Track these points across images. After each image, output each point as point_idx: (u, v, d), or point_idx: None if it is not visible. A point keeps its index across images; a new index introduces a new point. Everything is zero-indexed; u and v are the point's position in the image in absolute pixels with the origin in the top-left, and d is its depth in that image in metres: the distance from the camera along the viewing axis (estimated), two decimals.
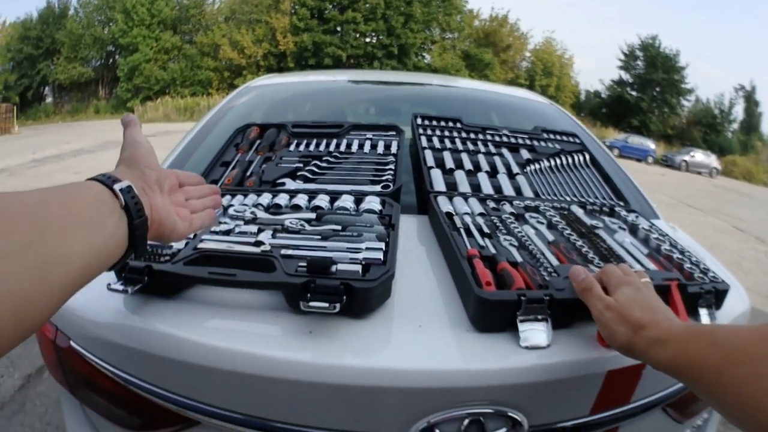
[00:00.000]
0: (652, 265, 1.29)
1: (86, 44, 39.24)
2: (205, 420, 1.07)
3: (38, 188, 0.65)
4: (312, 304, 0.99)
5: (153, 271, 1.09)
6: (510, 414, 1.01)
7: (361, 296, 1.04)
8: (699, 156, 31.71)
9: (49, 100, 43.35)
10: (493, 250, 1.27)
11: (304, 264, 1.09)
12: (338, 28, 38.96)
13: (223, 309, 1.08)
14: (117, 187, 0.75)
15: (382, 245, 1.20)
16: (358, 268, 1.09)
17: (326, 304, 0.98)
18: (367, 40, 39.59)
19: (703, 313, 1.20)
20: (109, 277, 1.07)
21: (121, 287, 1.06)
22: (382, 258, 1.14)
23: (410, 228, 1.57)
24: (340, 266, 1.08)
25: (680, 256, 1.34)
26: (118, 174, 0.81)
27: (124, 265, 1.03)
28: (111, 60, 42.30)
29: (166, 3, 40.00)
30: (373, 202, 1.48)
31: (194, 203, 1.03)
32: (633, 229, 1.54)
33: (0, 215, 0.56)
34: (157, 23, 39.61)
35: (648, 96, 45.77)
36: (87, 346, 1.16)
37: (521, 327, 1.04)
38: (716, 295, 1.21)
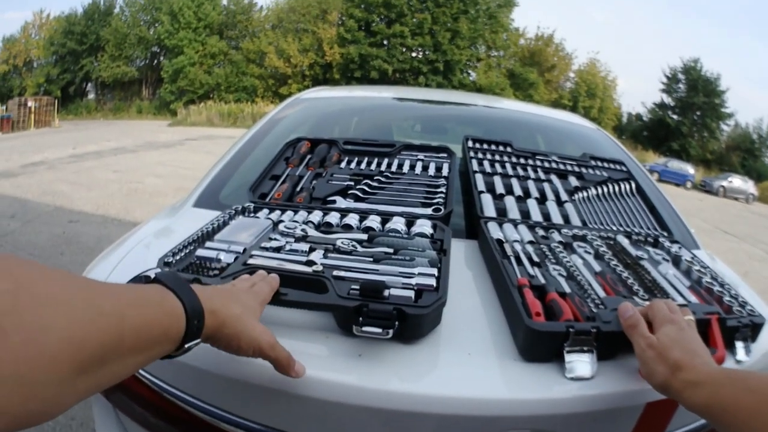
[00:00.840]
0: (693, 298, 1.29)
1: (131, 43, 39.85)
2: None
3: (117, 289, 0.70)
4: (365, 329, 1.00)
5: (202, 285, 1.07)
6: None
7: (413, 322, 1.05)
8: (737, 181, 31.33)
9: (91, 96, 43.97)
10: (542, 280, 1.28)
11: (357, 287, 1.09)
12: (385, 42, 38.93)
13: (270, 326, 1.04)
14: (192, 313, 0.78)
15: (435, 271, 1.20)
16: (411, 293, 1.09)
17: (380, 330, 1.00)
18: (413, 54, 39.53)
19: (739, 345, 1.20)
20: None
21: None
22: (434, 284, 1.15)
23: (459, 253, 1.58)
24: (393, 291, 1.09)
25: (720, 289, 1.34)
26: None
27: None
28: (155, 61, 42.85)
29: (213, 7, 40.47)
30: (424, 226, 1.49)
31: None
32: (676, 261, 1.54)
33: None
34: (204, 27, 40.05)
35: (689, 120, 45.27)
36: None
37: (567, 358, 1.05)
38: (752, 329, 1.22)
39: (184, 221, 1.71)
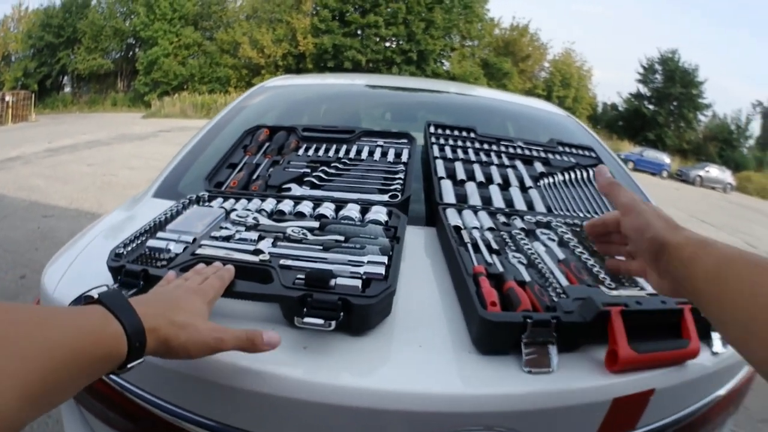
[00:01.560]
0: None
1: (107, 35, 39.62)
2: (196, 431, 1.04)
3: (58, 317, 0.69)
4: (307, 320, 0.96)
5: (149, 276, 1.08)
6: None
7: (359, 313, 1.00)
8: (714, 171, 31.60)
9: (67, 89, 43.72)
10: (500, 268, 1.22)
11: (303, 276, 1.05)
12: (359, 32, 39.00)
13: (218, 318, 1.00)
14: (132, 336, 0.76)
15: (385, 259, 1.16)
16: (359, 283, 1.05)
17: (321, 321, 0.95)
18: (387, 44, 39.62)
19: (716, 336, 1.17)
20: (106, 279, 1.08)
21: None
22: (383, 273, 1.10)
23: (417, 240, 1.53)
24: (340, 280, 1.05)
25: None
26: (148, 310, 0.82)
27: (121, 267, 1.07)
28: (131, 53, 42.70)
29: None
30: (379, 213, 1.45)
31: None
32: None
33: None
34: (179, 18, 39.91)
35: (665, 110, 45.64)
36: None
37: (525, 350, 0.99)
38: None
39: (143, 212, 1.66)
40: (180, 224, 1.35)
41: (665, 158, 33.53)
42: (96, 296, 0.78)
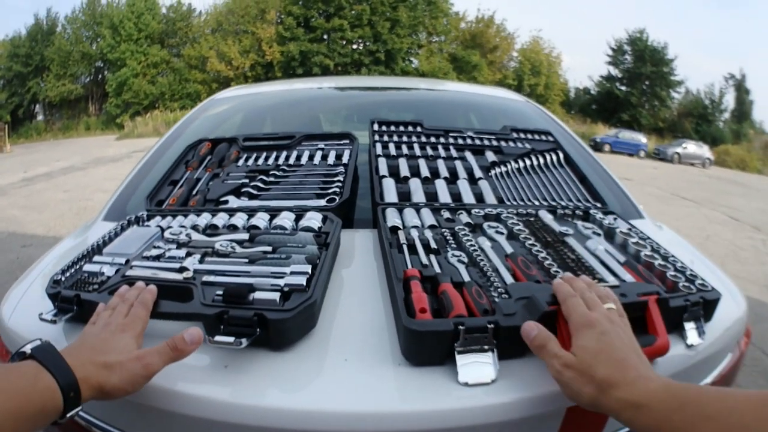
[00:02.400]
0: (628, 276, 1.18)
1: (75, 60, 39.70)
2: None
3: None
4: (218, 338, 0.92)
5: (81, 300, 1.08)
6: None
7: (276, 327, 0.95)
8: (691, 147, 31.79)
9: (40, 117, 43.85)
10: (437, 269, 1.16)
11: (221, 293, 1.02)
12: (325, 36, 39.23)
13: (149, 340, 0.97)
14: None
15: (308, 268, 1.11)
16: (276, 296, 1.00)
17: (231, 339, 0.91)
18: (354, 47, 39.81)
19: (689, 327, 1.10)
20: (46, 306, 1.09)
21: (50, 317, 1.06)
22: (304, 283, 1.04)
23: (362, 244, 1.48)
24: (258, 294, 1.01)
25: (662, 263, 1.24)
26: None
27: (57, 293, 1.08)
28: (100, 76, 42.76)
29: (152, 17, 40.45)
30: (313, 219, 1.40)
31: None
32: (609, 234, 1.44)
33: None
34: (145, 38, 40.08)
35: (637, 90, 45.90)
36: None
37: (460, 360, 0.92)
38: (705, 306, 1.11)
39: (92, 237, 1.61)
40: (116, 246, 1.35)
41: (641, 138, 33.68)
42: (29, 352, 0.82)
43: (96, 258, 1.28)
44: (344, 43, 38.99)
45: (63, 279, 1.16)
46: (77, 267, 1.24)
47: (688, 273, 1.19)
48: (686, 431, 0.69)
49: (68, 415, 0.79)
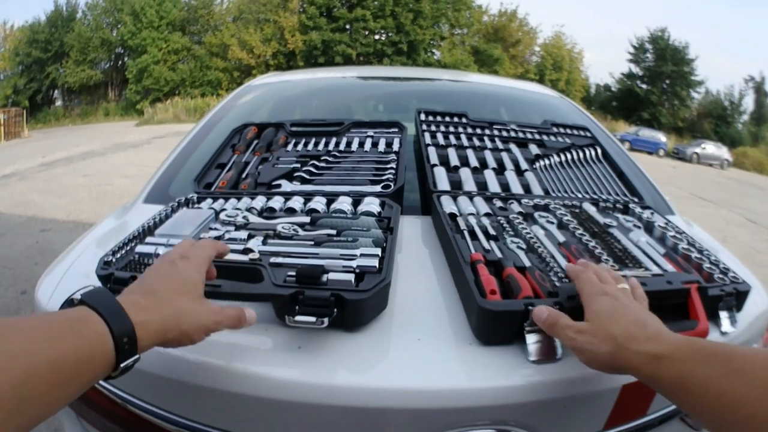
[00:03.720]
0: (669, 267, 1.20)
1: (94, 47, 39.62)
2: None
3: (28, 324, 0.65)
4: (298, 318, 0.93)
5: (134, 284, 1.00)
6: None
7: (353, 308, 0.96)
8: (710, 148, 31.62)
9: (58, 103, 43.83)
10: (499, 254, 1.19)
11: (293, 273, 1.02)
12: (347, 26, 39.04)
13: None
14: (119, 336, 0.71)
15: (378, 251, 1.12)
16: (351, 277, 1.01)
17: (313, 319, 0.92)
18: (377, 37, 39.62)
19: (724, 316, 1.12)
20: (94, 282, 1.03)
21: None
22: (377, 265, 1.06)
23: (413, 230, 1.50)
24: (332, 275, 1.01)
25: (699, 256, 1.25)
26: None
27: (110, 275, 1.04)
28: (120, 62, 42.71)
29: (174, 4, 40.40)
30: (371, 204, 1.41)
31: None
32: (648, 227, 1.45)
33: None
34: (166, 24, 39.96)
35: (658, 89, 45.70)
36: None
37: (529, 339, 0.95)
38: (737, 297, 1.14)
39: (133, 219, 1.65)
40: (169, 228, 1.32)
41: (661, 137, 33.52)
42: (78, 298, 0.74)
43: (148, 239, 1.26)
44: (366, 33, 38.80)
45: (114, 260, 1.14)
46: (128, 248, 1.22)
47: (721, 266, 1.22)
48: (713, 385, 0.68)
49: (122, 365, 0.71)
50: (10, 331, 0.60)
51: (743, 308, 1.17)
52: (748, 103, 47.39)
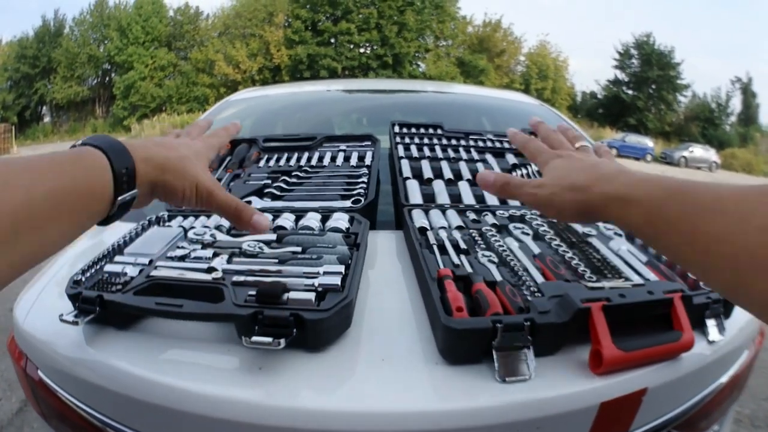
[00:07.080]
0: (652, 275, 1.17)
1: (81, 63, 39.89)
2: None
3: (29, 160, 0.62)
4: (254, 339, 0.90)
5: (104, 301, 1.03)
6: None
7: (313, 328, 0.94)
8: (698, 151, 31.86)
9: (47, 119, 43.97)
10: (469, 269, 1.16)
11: (254, 293, 1.00)
12: (332, 40, 39.42)
13: (174, 341, 1.01)
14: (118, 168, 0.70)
15: (342, 268, 1.10)
16: (312, 296, 0.99)
17: (269, 339, 0.89)
18: (362, 50, 40.07)
19: (711, 324, 1.10)
20: (63, 307, 1.04)
21: (71, 318, 1.01)
22: (339, 283, 1.04)
23: (387, 246, 1.48)
24: (292, 294, 0.99)
25: None
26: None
27: (78, 294, 1.03)
28: (107, 78, 42.92)
29: (159, 20, 40.67)
30: (340, 220, 1.39)
31: None
32: (630, 235, 1.42)
33: None
34: (152, 40, 40.31)
35: (644, 94, 46.02)
36: (51, 377, 1.12)
37: (498, 358, 0.92)
38: (725, 304, 1.11)
39: (108, 236, 1.60)
40: (138, 247, 1.31)
41: (648, 142, 33.73)
42: (80, 143, 0.72)
43: (117, 258, 1.25)
44: (352, 46, 39.24)
45: (83, 279, 1.14)
46: (98, 267, 1.21)
47: None
48: (683, 223, 0.61)
49: (120, 199, 0.69)
50: (11, 166, 0.59)
51: (731, 315, 1.15)
52: (736, 105, 47.84)
